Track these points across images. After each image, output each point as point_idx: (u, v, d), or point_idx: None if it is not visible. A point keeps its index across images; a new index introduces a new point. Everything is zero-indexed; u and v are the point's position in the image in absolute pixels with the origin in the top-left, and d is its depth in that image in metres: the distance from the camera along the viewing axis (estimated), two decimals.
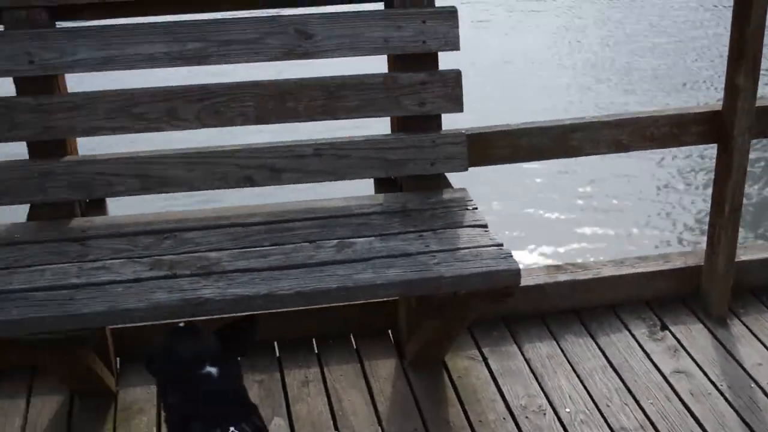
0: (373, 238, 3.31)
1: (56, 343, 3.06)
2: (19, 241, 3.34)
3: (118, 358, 3.93)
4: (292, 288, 3.03)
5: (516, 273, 3.11)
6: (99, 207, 3.66)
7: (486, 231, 3.35)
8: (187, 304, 2.97)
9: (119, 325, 3.71)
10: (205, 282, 3.06)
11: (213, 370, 2.78)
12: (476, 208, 3.51)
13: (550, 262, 6.37)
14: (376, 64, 3.72)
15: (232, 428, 2.64)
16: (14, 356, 3.78)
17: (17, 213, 3.57)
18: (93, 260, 3.20)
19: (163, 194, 3.54)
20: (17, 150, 3.50)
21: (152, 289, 3.03)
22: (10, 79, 3.43)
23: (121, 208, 3.83)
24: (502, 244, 3.25)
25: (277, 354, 3.98)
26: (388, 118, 3.73)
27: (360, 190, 3.78)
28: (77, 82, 3.67)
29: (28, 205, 3.54)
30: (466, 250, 3.22)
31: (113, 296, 3.00)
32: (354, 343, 4.05)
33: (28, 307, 2.93)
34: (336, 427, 3.56)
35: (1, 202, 3.43)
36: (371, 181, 3.78)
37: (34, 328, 2.93)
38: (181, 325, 2.94)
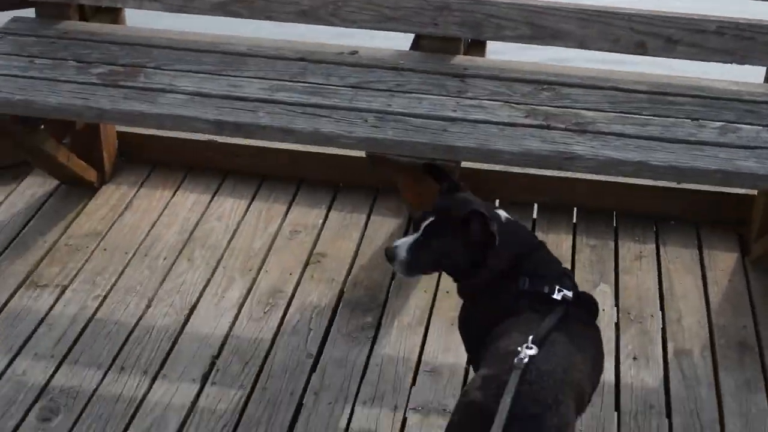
0: (761, 127, 3.13)
1: None
2: (403, 67, 3.43)
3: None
4: (667, 161, 2.93)
5: None
6: (479, 49, 3.68)
7: None
8: (557, 156, 2.96)
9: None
10: (578, 138, 3.03)
11: None
12: None
13: None
14: None
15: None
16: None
17: (402, 42, 3.67)
18: (471, 98, 3.25)
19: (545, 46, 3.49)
20: None
21: (525, 135, 3.04)
22: None
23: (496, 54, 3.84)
24: None
25: (614, 224, 3.91)
26: None
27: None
28: None
29: (413, 35, 3.62)
30: None
31: (486, 135, 3.03)
32: (696, 229, 3.88)
33: (404, 130, 3.04)
34: (662, 307, 3.47)
35: (394, 28, 3.53)
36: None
37: (407, 151, 3.05)
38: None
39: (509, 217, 2.58)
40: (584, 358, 2.38)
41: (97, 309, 3.33)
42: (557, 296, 2.43)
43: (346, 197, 3.96)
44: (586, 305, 2.51)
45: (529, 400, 2.15)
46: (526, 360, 2.20)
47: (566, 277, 2.53)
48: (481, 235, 2.43)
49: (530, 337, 2.26)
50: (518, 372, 2.18)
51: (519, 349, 2.23)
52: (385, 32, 3.57)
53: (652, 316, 3.42)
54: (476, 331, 2.54)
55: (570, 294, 2.45)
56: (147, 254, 3.60)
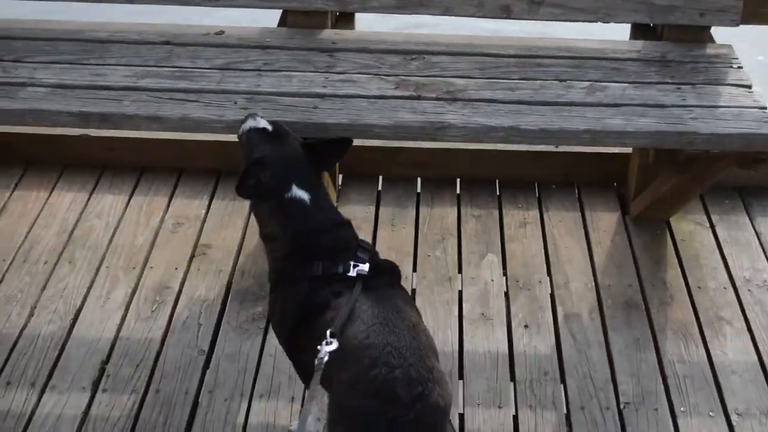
0: (626, 84, 3.18)
1: None
2: (270, 45, 3.39)
3: None
4: (537, 124, 2.96)
5: None
6: (348, 21, 3.66)
7: (750, 92, 3.15)
8: (430, 127, 2.96)
9: None
10: (449, 107, 3.03)
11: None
12: (741, 67, 3.29)
13: None
14: None
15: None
16: None
17: (268, 18, 3.62)
18: (340, 72, 3.23)
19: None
20: None
21: (396, 107, 3.04)
22: None
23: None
24: (766, 108, 3.05)
25: (498, 192, 3.93)
26: None
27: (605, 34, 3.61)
28: None
29: (280, 11, 3.58)
30: (725, 109, 3.05)
31: (357, 110, 3.02)
32: (576, 191, 3.94)
33: (273, 110, 3.00)
34: (549, 272, 3.51)
35: (259, 5, 3.49)
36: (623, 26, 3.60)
37: None
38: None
39: (314, 193, 2.58)
40: (404, 315, 2.37)
41: None
42: (352, 273, 2.44)
43: (227, 185, 3.89)
44: (386, 272, 2.52)
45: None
46: (326, 358, 2.22)
47: (361, 250, 2.52)
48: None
49: (328, 332, 2.27)
50: (318, 374, 2.21)
51: (318, 348, 2.25)
52: (252, 11, 3.53)
53: (540, 282, 3.45)
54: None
55: (366, 267, 2.45)
56: (26, 259, 3.49)
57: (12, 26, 3.49)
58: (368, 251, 2.53)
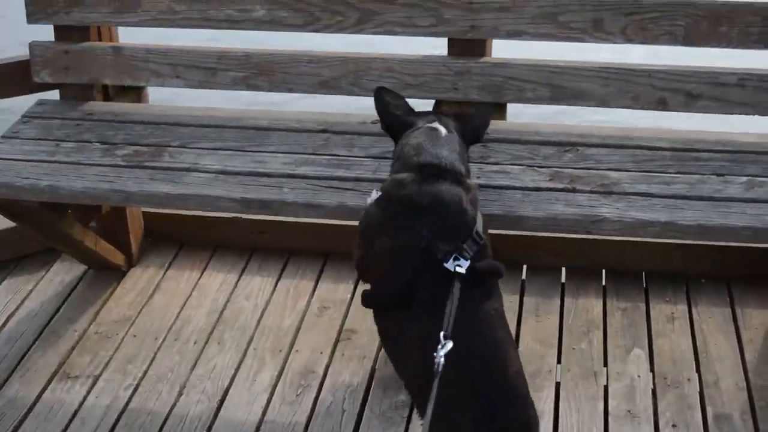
0: None
1: None
2: None
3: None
4: (694, 219, 2.91)
5: None
6: (500, 112, 3.67)
7: None
8: (584, 220, 2.94)
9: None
10: (604, 200, 3.01)
11: None
12: None
13: None
14: None
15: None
16: None
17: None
18: (494, 163, 3.24)
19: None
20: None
21: (550, 200, 3.03)
22: None
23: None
24: None
25: (644, 285, 3.86)
26: None
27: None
28: None
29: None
30: None
31: (511, 201, 3.02)
32: (728, 286, 3.83)
33: None
34: (698, 369, 3.41)
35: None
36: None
37: None
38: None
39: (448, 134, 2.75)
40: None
41: (130, 399, 3.30)
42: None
43: None
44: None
45: None
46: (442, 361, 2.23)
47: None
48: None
49: (441, 334, 2.28)
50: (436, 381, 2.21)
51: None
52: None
53: (688, 380, 3.36)
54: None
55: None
56: (177, 338, 3.58)
57: (181, 113, 3.64)
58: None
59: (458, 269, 2.42)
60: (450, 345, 2.25)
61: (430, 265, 2.46)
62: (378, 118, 2.90)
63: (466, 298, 2.39)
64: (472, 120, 2.90)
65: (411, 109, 2.90)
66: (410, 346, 2.50)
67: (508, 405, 2.38)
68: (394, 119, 2.85)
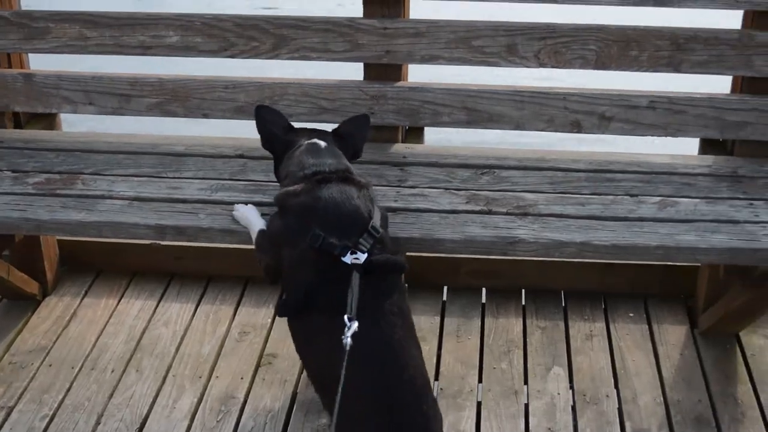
0: (698, 200, 3.16)
1: None
2: None
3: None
4: (609, 240, 2.94)
5: None
6: (417, 135, 3.70)
7: None
8: (501, 241, 2.96)
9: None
10: (519, 222, 3.04)
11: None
12: None
13: None
14: (718, 19, 3.54)
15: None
16: None
17: None
18: (411, 186, 3.25)
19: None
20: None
21: (467, 222, 3.04)
22: None
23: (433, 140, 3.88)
24: None
25: (563, 303, 3.91)
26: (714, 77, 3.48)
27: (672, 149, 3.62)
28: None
29: None
30: None
31: (429, 224, 3.03)
32: (645, 304, 3.89)
33: None
34: (616, 386, 3.46)
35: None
36: (692, 140, 3.60)
37: None
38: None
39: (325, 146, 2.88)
40: None
41: (45, 430, 3.23)
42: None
43: None
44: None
45: None
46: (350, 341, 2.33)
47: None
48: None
49: (346, 316, 2.38)
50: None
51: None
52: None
53: (607, 396, 3.40)
54: None
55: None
56: (94, 367, 3.51)
57: (95, 139, 3.58)
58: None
59: (355, 262, 2.50)
60: (356, 325, 2.34)
61: (329, 262, 2.53)
62: None
63: (366, 292, 2.47)
64: (351, 137, 3.02)
65: (291, 127, 3.02)
66: (317, 342, 2.57)
67: (404, 406, 2.42)
68: (275, 137, 2.98)
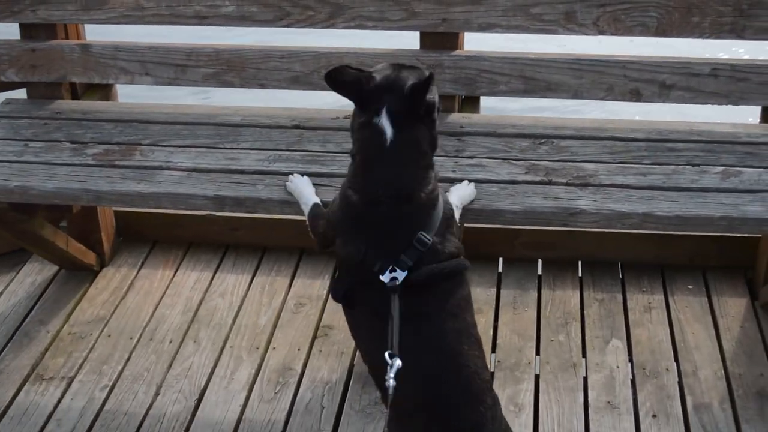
0: (762, 169, 3.10)
1: None
2: None
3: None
4: (672, 211, 2.90)
5: None
6: (473, 105, 3.66)
7: None
8: (562, 212, 2.92)
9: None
10: (580, 193, 3.00)
11: None
12: None
13: None
14: None
15: None
16: None
17: None
18: (469, 156, 3.22)
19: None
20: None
21: (527, 193, 3.01)
22: None
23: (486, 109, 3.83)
24: None
25: (621, 275, 3.87)
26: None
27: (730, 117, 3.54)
28: None
29: None
30: None
31: (488, 195, 3.00)
32: (704, 276, 3.84)
33: None
34: (676, 359, 3.41)
35: None
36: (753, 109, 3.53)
37: None
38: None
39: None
40: None
41: (106, 400, 3.27)
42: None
43: None
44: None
45: None
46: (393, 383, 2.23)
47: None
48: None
49: (386, 354, 2.28)
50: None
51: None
52: None
53: (667, 369, 3.36)
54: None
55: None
56: (152, 338, 3.55)
57: (152, 110, 3.59)
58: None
59: (393, 283, 2.40)
60: (398, 363, 2.23)
61: (369, 277, 2.44)
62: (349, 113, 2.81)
63: (410, 309, 2.38)
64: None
65: (365, 77, 2.55)
66: (364, 331, 2.56)
67: (460, 406, 2.37)
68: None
